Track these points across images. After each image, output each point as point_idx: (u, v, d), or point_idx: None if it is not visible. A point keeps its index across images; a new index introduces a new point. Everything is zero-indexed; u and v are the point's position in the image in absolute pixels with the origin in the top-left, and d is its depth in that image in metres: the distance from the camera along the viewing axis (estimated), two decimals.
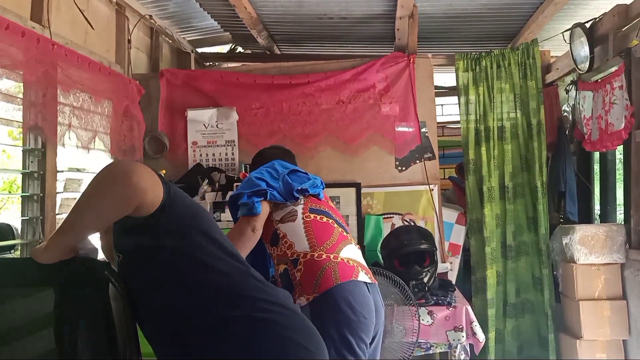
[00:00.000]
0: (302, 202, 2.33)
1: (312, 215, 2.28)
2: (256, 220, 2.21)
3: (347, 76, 3.66)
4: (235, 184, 3.44)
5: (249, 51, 4.67)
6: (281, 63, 3.87)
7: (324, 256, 2.13)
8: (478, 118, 3.68)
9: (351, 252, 2.23)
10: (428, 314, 2.94)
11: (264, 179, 2.31)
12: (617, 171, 3.78)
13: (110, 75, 3.09)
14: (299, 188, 2.33)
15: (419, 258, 3.10)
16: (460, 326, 2.91)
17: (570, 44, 3.45)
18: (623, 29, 3.08)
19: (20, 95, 2.49)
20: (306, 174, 2.47)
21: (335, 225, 2.30)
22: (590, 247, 3.12)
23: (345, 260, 2.16)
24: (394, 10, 3.54)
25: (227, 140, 3.67)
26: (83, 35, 3.00)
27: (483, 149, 3.65)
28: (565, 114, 3.83)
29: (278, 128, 3.66)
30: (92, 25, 2.99)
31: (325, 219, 2.30)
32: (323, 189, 2.49)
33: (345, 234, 2.31)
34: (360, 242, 3.50)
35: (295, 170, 2.45)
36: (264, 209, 2.25)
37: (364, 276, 2.15)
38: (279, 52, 4.57)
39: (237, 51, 4.67)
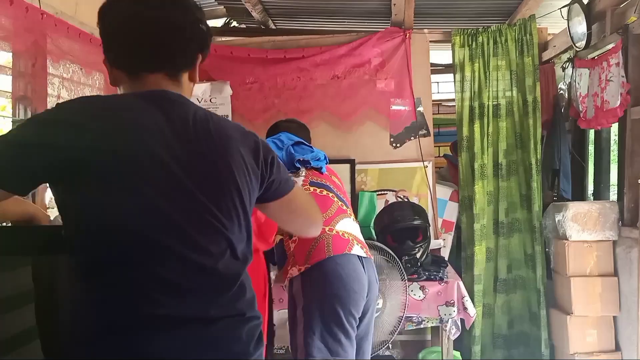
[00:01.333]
0: (304, 174, 2.35)
1: (311, 188, 2.29)
2: None
3: (343, 51, 3.62)
4: None
5: (243, 25, 4.60)
6: (276, 37, 3.81)
7: None
8: (473, 95, 3.65)
9: (348, 226, 2.23)
10: (420, 288, 2.95)
11: None
12: (611, 152, 3.77)
13: (102, 47, 3.04)
14: (300, 159, 2.35)
15: (412, 234, 3.10)
16: (452, 301, 2.93)
17: (567, 20, 3.41)
18: (621, 6, 3.05)
19: (9, 66, 2.45)
20: (310, 147, 2.49)
21: (336, 199, 2.31)
22: (582, 224, 3.12)
23: (341, 233, 2.16)
24: None
25: (220, 114, 3.62)
26: (73, 6, 2.94)
27: (477, 126, 3.63)
28: (562, 91, 3.81)
29: (272, 103, 3.63)
30: None
31: (325, 192, 2.31)
32: (326, 163, 2.51)
33: (344, 207, 2.32)
34: None
35: (300, 143, 2.47)
36: None
37: (358, 250, 2.15)
38: (274, 27, 4.51)
39: (232, 25, 4.60)
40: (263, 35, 4.00)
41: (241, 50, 3.64)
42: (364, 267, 2.14)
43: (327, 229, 2.14)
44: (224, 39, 4.52)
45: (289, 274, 2.09)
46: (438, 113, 5.09)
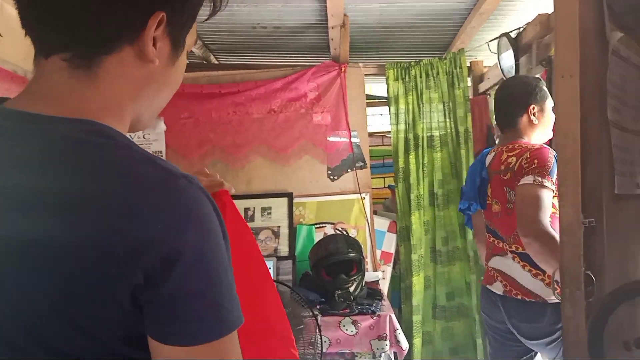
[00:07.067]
0: None
1: None
2: None
3: (278, 85, 3.64)
4: None
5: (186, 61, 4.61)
6: (210, 72, 3.82)
7: None
8: (407, 127, 3.71)
9: (499, 263, 2.36)
10: (352, 323, 2.92)
11: None
12: None
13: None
14: None
15: (346, 267, 3.08)
16: (384, 334, 2.90)
17: (497, 54, 3.50)
18: (545, 38, 3.14)
19: None
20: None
21: None
22: None
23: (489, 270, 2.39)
24: (327, 20, 3.54)
25: (154, 151, 3.59)
26: None
27: (412, 157, 3.67)
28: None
29: (207, 138, 3.61)
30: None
31: None
32: None
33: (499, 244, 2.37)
34: (291, 252, 3.47)
35: None
36: None
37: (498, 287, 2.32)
38: (216, 62, 4.52)
39: None
40: (202, 71, 4.00)
41: None
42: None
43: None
44: None
45: None
46: (383, 145, 5.16)
